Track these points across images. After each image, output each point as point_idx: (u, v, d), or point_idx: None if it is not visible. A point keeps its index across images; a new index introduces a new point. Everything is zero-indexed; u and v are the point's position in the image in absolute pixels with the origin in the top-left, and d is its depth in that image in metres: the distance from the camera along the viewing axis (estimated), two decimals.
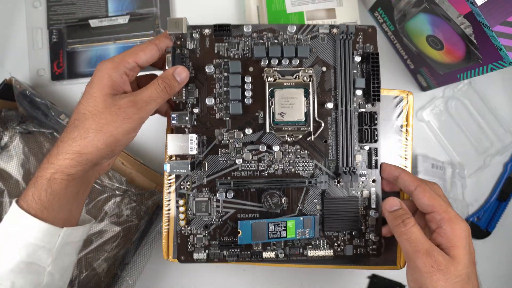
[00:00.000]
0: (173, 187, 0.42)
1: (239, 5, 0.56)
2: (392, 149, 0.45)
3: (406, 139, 0.45)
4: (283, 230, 0.40)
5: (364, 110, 0.41)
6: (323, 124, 0.41)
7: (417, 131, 0.57)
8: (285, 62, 0.41)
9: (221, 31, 0.40)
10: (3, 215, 0.48)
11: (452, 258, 0.33)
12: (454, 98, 0.57)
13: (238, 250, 0.41)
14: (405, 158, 0.45)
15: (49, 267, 0.34)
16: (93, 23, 0.55)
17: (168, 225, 0.42)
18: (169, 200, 0.43)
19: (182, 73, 0.37)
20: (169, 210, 0.42)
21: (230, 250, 0.41)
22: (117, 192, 0.50)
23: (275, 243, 0.41)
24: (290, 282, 0.55)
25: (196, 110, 0.41)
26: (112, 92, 0.34)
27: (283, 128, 0.40)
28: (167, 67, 0.40)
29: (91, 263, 0.48)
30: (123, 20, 0.55)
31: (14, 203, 0.33)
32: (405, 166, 0.45)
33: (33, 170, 0.49)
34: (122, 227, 0.49)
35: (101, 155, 0.33)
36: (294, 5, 0.53)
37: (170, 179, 0.42)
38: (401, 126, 0.45)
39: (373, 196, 0.42)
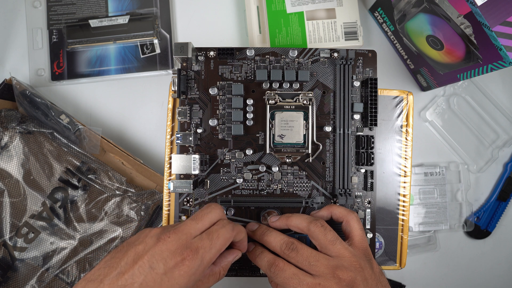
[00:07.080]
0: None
1: (240, 5, 0.56)
2: (392, 149, 0.45)
3: (406, 139, 0.45)
4: None
5: (361, 133, 0.42)
6: (321, 147, 0.42)
7: (422, 132, 0.57)
8: (286, 85, 0.42)
9: (225, 54, 0.42)
10: (3, 215, 0.48)
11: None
12: (455, 95, 0.57)
13: (237, 265, 0.42)
14: (405, 158, 0.45)
15: None
16: (93, 23, 0.54)
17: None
18: (169, 200, 0.43)
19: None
20: (169, 210, 0.42)
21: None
22: (117, 192, 0.50)
23: None
24: None
25: (199, 130, 0.42)
26: None
27: (282, 150, 0.41)
28: (172, 88, 0.41)
29: (91, 263, 0.48)
30: (123, 20, 0.55)
31: None
32: (405, 166, 0.45)
33: (33, 170, 0.49)
34: (122, 227, 0.49)
35: None
36: (294, 5, 0.53)
37: (169, 179, 0.42)
38: (401, 126, 0.45)
39: (368, 217, 0.42)
